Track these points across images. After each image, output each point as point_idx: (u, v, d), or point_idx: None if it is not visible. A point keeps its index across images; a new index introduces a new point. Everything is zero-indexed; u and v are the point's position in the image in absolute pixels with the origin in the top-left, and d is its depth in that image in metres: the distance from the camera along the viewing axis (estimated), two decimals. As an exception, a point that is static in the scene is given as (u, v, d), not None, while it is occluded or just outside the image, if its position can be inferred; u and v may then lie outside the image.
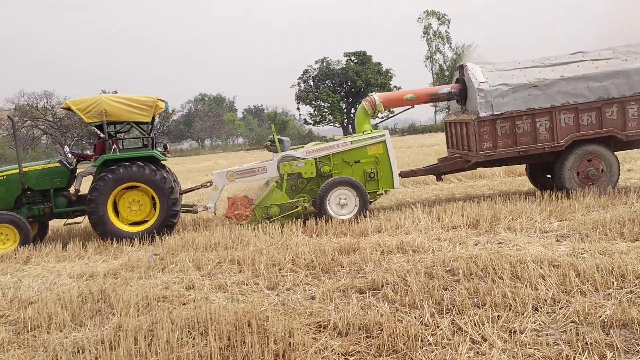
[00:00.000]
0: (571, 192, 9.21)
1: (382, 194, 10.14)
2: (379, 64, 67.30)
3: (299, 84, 70.67)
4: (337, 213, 9.25)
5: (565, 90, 9.24)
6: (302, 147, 10.10)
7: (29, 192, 9.39)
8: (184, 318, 4.69)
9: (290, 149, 9.83)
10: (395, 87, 64.88)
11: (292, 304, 5.09)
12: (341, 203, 9.29)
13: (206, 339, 4.19)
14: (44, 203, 9.40)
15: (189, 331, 4.49)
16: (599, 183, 9.33)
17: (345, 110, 68.42)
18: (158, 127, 76.55)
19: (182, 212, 9.90)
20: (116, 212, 9.19)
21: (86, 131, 69.57)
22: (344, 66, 67.47)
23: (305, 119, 70.42)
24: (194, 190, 11.02)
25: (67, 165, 9.56)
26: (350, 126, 66.93)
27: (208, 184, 10.25)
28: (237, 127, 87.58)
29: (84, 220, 9.97)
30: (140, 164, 9.07)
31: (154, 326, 4.60)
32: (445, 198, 10.79)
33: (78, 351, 4.35)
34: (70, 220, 9.77)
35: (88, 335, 4.66)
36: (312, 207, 9.69)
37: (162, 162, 9.60)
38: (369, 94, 10.58)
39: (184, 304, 5.36)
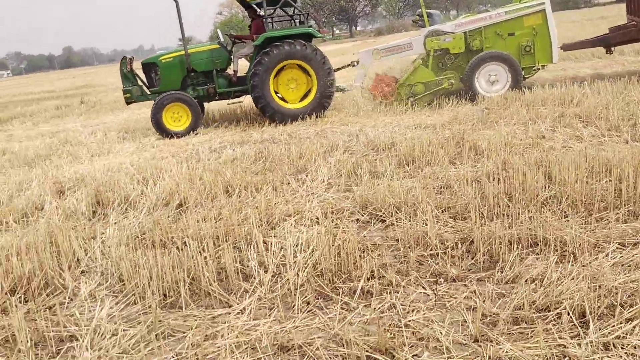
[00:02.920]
0: None
1: (539, 69, 9.21)
2: None
3: None
4: (487, 90, 8.84)
5: None
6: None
7: (192, 74, 9.66)
8: (560, 158, 4.78)
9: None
10: None
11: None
12: (491, 80, 8.84)
13: (608, 176, 4.28)
14: (207, 84, 9.71)
15: (568, 169, 4.54)
16: None
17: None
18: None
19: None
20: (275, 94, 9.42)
21: (338, 6, 72.48)
22: None
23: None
24: (342, 69, 11.04)
25: (225, 47, 9.88)
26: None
27: (355, 63, 10.20)
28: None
29: (244, 100, 10.43)
30: (290, 41, 9.16)
31: (539, 163, 4.84)
32: None
33: (472, 182, 4.79)
34: (232, 100, 10.21)
35: (467, 170, 5.14)
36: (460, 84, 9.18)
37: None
38: None
39: (545, 151, 5.47)
